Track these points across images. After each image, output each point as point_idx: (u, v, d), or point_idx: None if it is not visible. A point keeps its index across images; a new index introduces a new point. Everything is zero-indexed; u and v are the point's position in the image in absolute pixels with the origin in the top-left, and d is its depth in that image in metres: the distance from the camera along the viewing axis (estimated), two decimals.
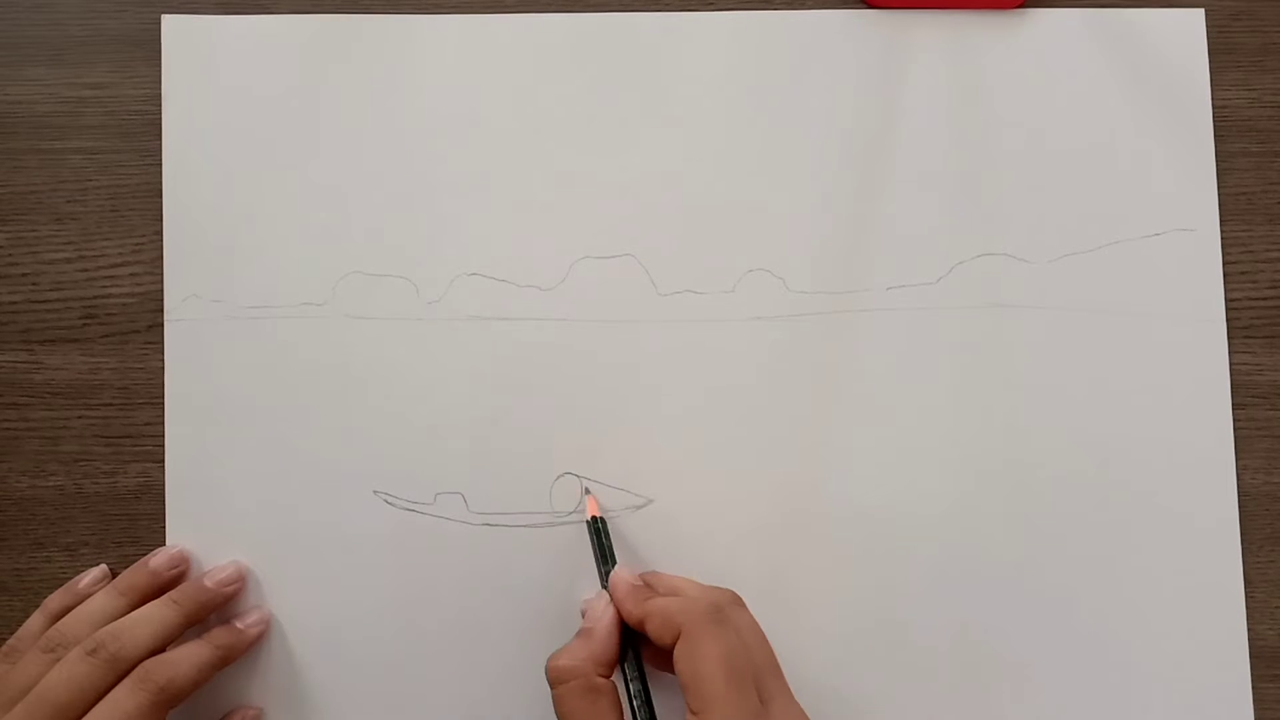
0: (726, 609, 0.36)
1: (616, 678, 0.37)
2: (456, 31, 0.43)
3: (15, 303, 0.43)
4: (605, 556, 0.39)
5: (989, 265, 0.43)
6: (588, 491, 0.42)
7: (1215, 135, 0.43)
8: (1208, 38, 0.44)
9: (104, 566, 0.42)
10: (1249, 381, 0.43)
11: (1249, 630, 0.42)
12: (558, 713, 0.35)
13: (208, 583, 0.40)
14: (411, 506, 0.42)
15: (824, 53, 0.44)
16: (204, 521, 0.42)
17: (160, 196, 0.43)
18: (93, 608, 0.39)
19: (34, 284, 0.43)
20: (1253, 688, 0.42)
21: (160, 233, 0.43)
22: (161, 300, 0.43)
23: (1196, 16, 0.44)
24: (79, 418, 0.43)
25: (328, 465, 0.42)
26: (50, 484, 0.43)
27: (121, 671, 0.37)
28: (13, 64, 0.43)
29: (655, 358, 0.42)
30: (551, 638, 0.41)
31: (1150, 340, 0.43)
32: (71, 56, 0.43)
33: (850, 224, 0.43)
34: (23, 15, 0.44)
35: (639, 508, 0.42)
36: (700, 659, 0.34)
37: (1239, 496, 0.42)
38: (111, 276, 0.43)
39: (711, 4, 0.44)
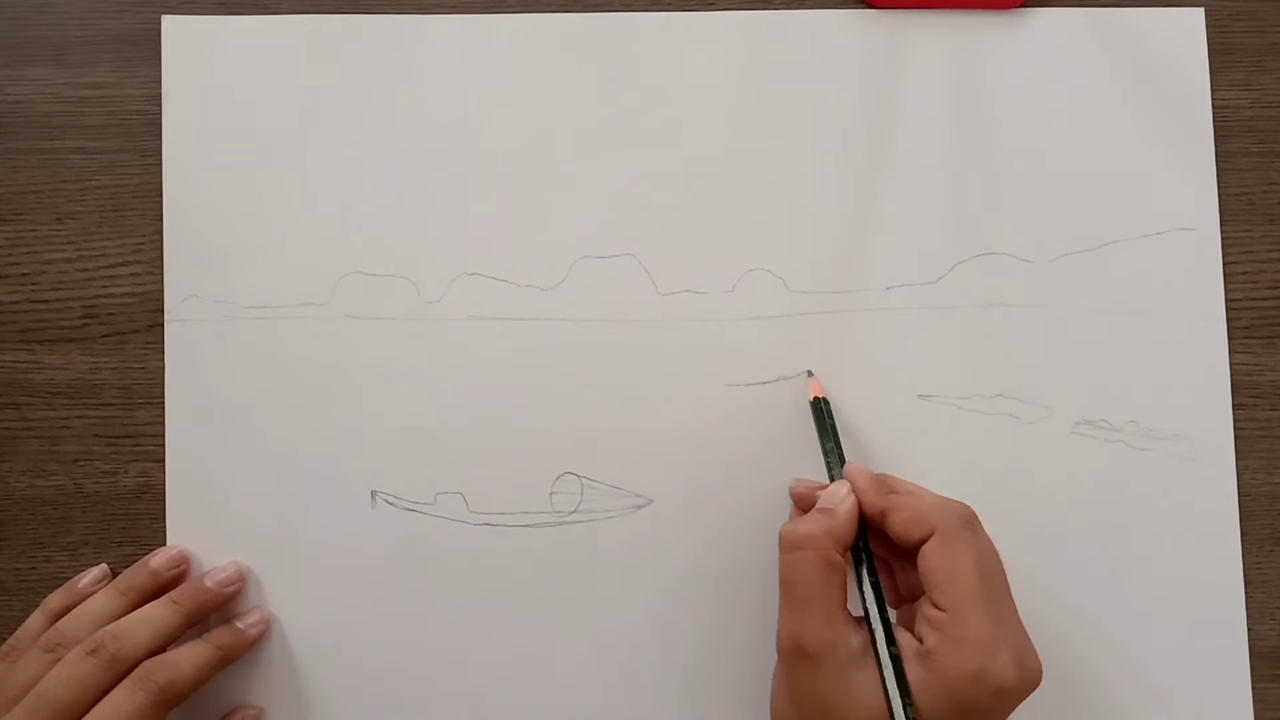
0: (976, 522, 0.36)
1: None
2: (456, 31, 0.43)
3: (15, 303, 0.43)
4: (833, 440, 0.39)
5: (989, 265, 0.43)
6: (810, 374, 0.41)
7: (1215, 135, 0.43)
8: (1208, 38, 0.44)
9: (104, 566, 0.42)
10: (1249, 381, 0.43)
11: (1249, 630, 0.42)
12: (784, 578, 0.35)
13: (208, 583, 0.40)
14: (411, 506, 0.42)
15: (824, 53, 0.44)
16: (204, 521, 0.42)
17: (160, 196, 0.43)
18: (93, 607, 0.39)
19: (34, 284, 0.43)
20: (1253, 688, 0.42)
21: (160, 233, 0.43)
22: (161, 300, 0.43)
23: (1196, 16, 0.44)
24: (79, 418, 0.43)
25: (328, 465, 0.42)
26: (50, 484, 0.43)
27: (121, 671, 0.37)
28: (13, 64, 0.43)
29: (655, 357, 0.42)
30: (552, 637, 0.41)
31: (1150, 340, 0.43)
32: (71, 56, 0.43)
33: (850, 224, 0.43)
34: (23, 15, 0.44)
35: (639, 508, 0.42)
36: (956, 559, 0.34)
37: (1239, 497, 0.42)
38: (111, 276, 0.43)
39: (711, 4, 0.44)
